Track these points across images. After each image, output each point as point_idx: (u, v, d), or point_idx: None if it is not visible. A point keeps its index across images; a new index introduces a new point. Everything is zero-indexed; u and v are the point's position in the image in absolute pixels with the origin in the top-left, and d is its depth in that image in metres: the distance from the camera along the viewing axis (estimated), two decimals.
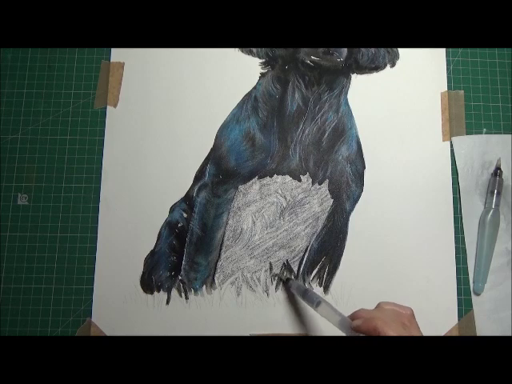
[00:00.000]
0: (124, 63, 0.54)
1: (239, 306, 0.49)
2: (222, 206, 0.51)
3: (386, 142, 0.53)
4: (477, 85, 0.54)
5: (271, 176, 0.52)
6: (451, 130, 0.53)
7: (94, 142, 0.52)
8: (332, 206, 0.51)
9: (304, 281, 0.50)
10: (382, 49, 0.54)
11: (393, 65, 0.54)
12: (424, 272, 0.50)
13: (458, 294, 0.50)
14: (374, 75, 0.54)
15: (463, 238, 0.51)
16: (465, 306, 0.50)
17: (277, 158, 0.52)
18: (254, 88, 0.53)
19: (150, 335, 0.48)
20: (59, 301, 0.49)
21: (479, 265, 0.50)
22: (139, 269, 0.50)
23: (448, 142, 0.53)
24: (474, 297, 0.50)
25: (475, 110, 0.54)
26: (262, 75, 0.54)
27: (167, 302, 0.49)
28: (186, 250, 0.50)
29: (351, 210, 0.51)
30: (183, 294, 0.50)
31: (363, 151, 0.52)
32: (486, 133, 0.53)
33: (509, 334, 0.49)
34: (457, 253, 0.51)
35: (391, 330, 0.39)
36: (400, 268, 0.50)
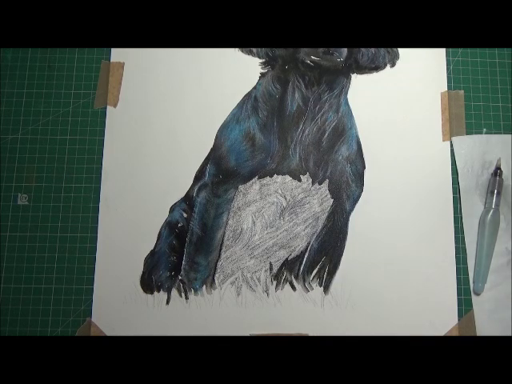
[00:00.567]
0: (124, 63, 0.54)
1: (239, 305, 0.49)
2: (222, 205, 0.51)
3: (386, 142, 0.53)
4: (477, 85, 0.54)
5: (271, 176, 0.52)
6: (451, 130, 0.53)
7: (94, 141, 0.52)
8: (332, 205, 0.51)
9: (304, 281, 0.50)
10: (382, 49, 0.54)
11: (393, 65, 0.54)
12: (424, 272, 0.50)
13: (458, 294, 0.50)
14: (374, 75, 0.54)
15: (463, 238, 0.51)
16: (465, 305, 0.50)
17: (277, 158, 0.52)
18: (254, 88, 0.53)
19: (149, 335, 0.48)
20: (59, 301, 0.49)
21: (479, 265, 0.50)
22: (139, 269, 0.50)
23: (448, 142, 0.53)
24: (474, 297, 0.50)
25: (475, 109, 0.54)
26: (262, 75, 0.54)
27: (167, 302, 0.49)
28: (185, 249, 0.50)
29: (351, 209, 0.51)
30: (183, 294, 0.50)
31: (363, 151, 0.52)
32: (486, 133, 0.53)
33: (509, 333, 0.49)
34: (457, 253, 0.51)
35: None
36: (400, 268, 0.50)
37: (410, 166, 0.52)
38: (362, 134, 0.53)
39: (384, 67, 0.54)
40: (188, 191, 0.51)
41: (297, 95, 0.53)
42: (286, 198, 0.51)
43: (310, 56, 0.53)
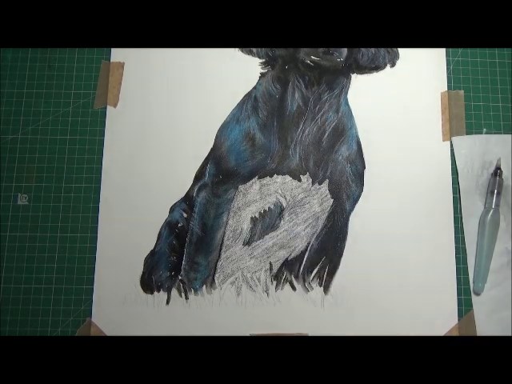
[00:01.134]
0: (124, 63, 0.54)
1: (239, 305, 0.49)
2: (222, 205, 0.51)
3: (386, 142, 0.53)
4: (477, 85, 0.54)
5: (271, 176, 0.52)
6: (451, 129, 0.53)
7: (94, 141, 0.52)
8: (332, 205, 0.51)
9: (304, 281, 0.50)
10: (382, 49, 0.54)
11: (393, 65, 0.54)
12: (424, 272, 0.50)
13: (458, 294, 0.50)
14: (374, 75, 0.54)
15: (463, 238, 0.51)
16: (465, 305, 0.50)
17: (277, 158, 0.52)
18: (254, 88, 0.53)
19: (149, 335, 0.48)
20: (59, 301, 0.49)
21: (479, 265, 0.50)
22: (139, 269, 0.50)
23: (448, 142, 0.53)
24: (474, 297, 0.50)
25: (475, 110, 0.54)
26: (262, 75, 0.54)
27: (167, 302, 0.49)
28: (185, 249, 0.50)
29: (351, 209, 0.51)
30: (183, 294, 0.50)
31: (363, 151, 0.52)
32: (486, 133, 0.53)
33: (509, 333, 0.49)
34: (457, 253, 0.51)
35: None
36: (400, 268, 0.50)
37: (409, 166, 0.52)
38: (362, 134, 0.53)
39: (384, 67, 0.54)
40: (188, 191, 0.51)
41: (297, 95, 0.53)
42: (285, 198, 0.51)
43: (310, 56, 0.53)
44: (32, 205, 0.51)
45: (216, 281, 0.50)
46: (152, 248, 0.50)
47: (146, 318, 0.49)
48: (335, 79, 0.53)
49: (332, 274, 0.50)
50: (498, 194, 0.51)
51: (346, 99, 0.53)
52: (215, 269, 0.50)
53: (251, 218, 0.51)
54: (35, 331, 0.49)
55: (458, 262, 0.50)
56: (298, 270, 0.51)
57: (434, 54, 0.55)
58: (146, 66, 0.54)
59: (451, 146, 0.53)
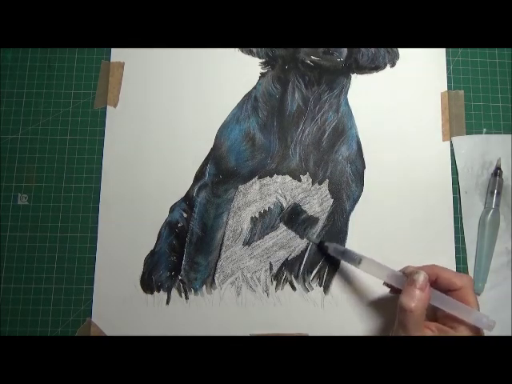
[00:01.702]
0: (124, 63, 0.54)
1: (239, 305, 0.49)
2: (222, 205, 0.51)
3: (386, 141, 0.53)
4: (477, 85, 0.54)
5: (271, 176, 0.52)
6: (451, 130, 0.53)
7: (94, 141, 0.52)
8: (332, 205, 0.51)
9: (304, 281, 0.50)
10: (382, 49, 0.54)
11: (393, 65, 0.54)
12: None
13: None
14: (374, 75, 0.54)
15: (463, 238, 0.51)
16: None
17: (277, 158, 0.52)
18: (254, 88, 0.53)
19: (149, 335, 0.48)
20: (59, 301, 0.49)
21: (479, 265, 0.50)
22: (139, 269, 0.50)
23: (448, 142, 0.53)
24: None
25: (475, 109, 0.54)
26: (262, 75, 0.54)
27: (167, 302, 0.49)
28: (185, 249, 0.50)
29: (351, 209, 0.51)
30: (183, 294, 0.50)
31: (363, 151, 0.52)
32: (486, 133, 0.53)
33: (509, 333, 0.49)
34: (457, 253, 0.51)
35: (449, 272, 0.41)
36: (400, 268, 0.50)
37: (409, 166, 0.52)
38: (362, 134, 0.53)
39: (384, 67, 0.54)
40: (188, 191, 0.51)
41: (297, 95, 0.53)
42: (285, 198, 0.51)
43: (310, 56, 0.53)
44: (32, 205, 0.51)
45: (216, 281, 0.50)
46: (152, 248, 0.50)
47: (146, 318, 0.49)
48: (335, 79, 0.53)
49: (332, 274, 0.50)
50: (498, 194, 0.51)
51: (346, 99, 0.53)
52: (215, 269, 0.50)
53: (251, 217, 0.51)
54: (35, 331, 0.49)
55: (457, 262, 0.50)
56: (298, 270, 0.51)
57: (434, 53, 0.55)
58: (146, 66, 0.54)
59: (451, 145, 0.53)
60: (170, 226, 0.51)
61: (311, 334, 0.49)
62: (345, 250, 0.48)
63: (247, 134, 0.52)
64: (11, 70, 0.54)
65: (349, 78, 0.54)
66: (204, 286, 0.50)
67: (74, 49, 0.54)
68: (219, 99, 0.53)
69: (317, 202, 0.51)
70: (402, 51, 0.54)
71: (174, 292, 0.50)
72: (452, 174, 0.52)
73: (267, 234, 0.51)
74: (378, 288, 0.49)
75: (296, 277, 0.50)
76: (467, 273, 0.50)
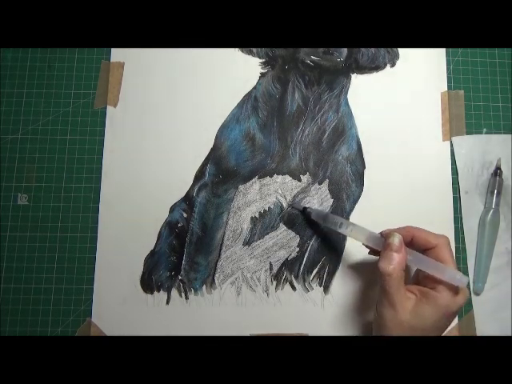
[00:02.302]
0: (124, 63, 0.54)
1: (239, 305, 0.49)
2: (222, 205, 0.51)
3: (386, 141, 0.53)
4: (477, 85, 0.54)
5: (271, 176, 0.52)
6: (451, 129, 0.53)
7: (94, 141, 0.52)
8: (332, 205, 0.51)
9: (304, 281, 0.50)
10: (382, 49, 0.54)
11: (393, 65, 0.54)
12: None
13: None
14: (374, 75, 0.54)
15: (463, 238, 0.51)
16: (465, 305, 0.50)
17: (277, 158, 0.52)
18: (254, 88, 0.53)
19: (149, 335, 0.48)
20: (59, 301, 0.49)
21: (479, 265, 0.50)
22: (139, 269, 0.50)
23: (448, 142, 0.53)
24: (474, 297, 0.50)
25: (475, 109, 0.54)
26: (262, 75, 0.54)
27: (167, 302, 0.49)
28: (185, 249, 0.50)
29: (351, 209, 0.51)
30: (183, 294, 0.50)
31: (363, 151, 0.52)
32: (486, 133, 0.53)
33: (509, 333, 0.49)
34: (457, 253, 0.51)
35: (424, 232, 0.41)
36: None
37: (410, 166, 0.52)
38: (362, 134, 0.53)
39: (384, 67, 0.54)
40: (188, 191, 0.51)
41: (297, 95, 0.53)
42: (286, 198, 0.51)
43: (310, 56, 0.53)
44: (32, 205, 0.51)
45: (216, 281, 0.50)
46: (152, 248, 0.50)
47: (146, 318, 0.49)
48: (335, 79, 0.53)
49: (332, 274, 0.50)
50: (498, 193, 0.51)
51: (346, 99, 0.53)
52: (215, 269, 0.50)
53: (251, 217, 0.51)
54: (35, 331, 0.49)
55: (458, 262, 0.50)
56: (298, 270, 0.51)
57: (434, 53, 0.55)
58: (146, 66, 0.54)
59: (451, 145, 0.53)
60: (170, 226, 0.51)
61: (311, 334, 0.49)
62: (327, 213, 0.48)
63: (247, 134, 0.52)
64: (11, 69, 0.54)
65: (349, 78, 0.54)
66: (204, 286, 0.50)
67: (74, 49, 0.54)
68: (219, 99, 0.53)
69: (317, 201, 0.51)
70: (401, 51, 0.54)
71: (174, 292, 0.50)
72: (452, 174, 0.52)
73: (267, 233, 0.51)
74: (377, 288, 0.49)
75: (296, 277, 0.50)
76: (467, 273, 0.50)
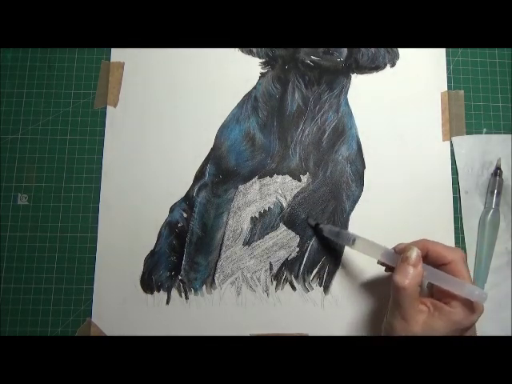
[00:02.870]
0: (124, 63, 0.54)
1: (239, 305, 0.49)
2: (222, 205, 0.51)
3: (386, 142, 0.53)
4: (477, 85, 0.54)
5: (271, 176, 0.52)
6: (451, 129, 0.53)
7: (94, 141, 0.52)
8: (332, 206, 0.51)
9: (304, 281, 0.50)
10: (382, 49, 0.54)
11: (393, 65, 0.54)
12: None
13: None
14: (374, 75, 0.54)
15: (463, 238, 0.51)
16: None
17: (277, 158, 0.52)
18: (254, 88, 0.53)
19: (150, 335, 0.48)
20: (59, 301, 0.49)
21: (479, 265, 0.50)
22: (139, 269, 0.50)
23: (448, 142, 0.53)
24: None
25: (475, 110, 0.54)
26: (262, 75, 0.54)
27: (167, 302, 0.49)
28: (185, 249, 0.50)
29: (351, 209, 0.51)
30: (183, 294, 0.50)
31: (363, 151, 0.52)
32: (486, 133, 0.53)
33: (509, 333, 0.49)
34: None
35: (439, 246, 0.41)
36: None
37: (410, 166, 0.52)
38: (362, 134, 0.53)
39: (384, 67, 0.54)
40: (188, 191, 0.51)
41: (297, 95, 0.53)
42: (286, 198, 0.51)
43: (310, 56, 0.53)
44: (32, 205, 0.51)
45: (216, 281, 0.50)
46: (152, 248, 0.50)
47: (146, 318, 0.49)
48: (335, 79, 0.53)
49: (332, 274, 0.50)
50: (498, 193, 0.51)
51: (346, 99, 0.53)
52: (215, 269, 0.50)
53: (251, 217, 0.51)
54: (35, 331, 0.49)
55: None
56: (298, 270, 0.51)
57: (434, 53, 0.55)
58: (146, 66, 0.54)
59: (451, 145, 0.53)
60: (170, 226, 0.51)
61: (311, 333, 0.49)
62: (339, 230, 0.48)
63: (247, 134, 0.52)
64: (11, 69, 0.54)
65: (349, 78, 0.54)
66: (204, 286, 0.50)
67: (74, 49, 0.54)
68: (219, 99, 0.53)
69: (317, 202, 0.51)
70: (401, 51, 0.54)
71: (174, 292, 0.50)
72: (452, 173, 0.52)
73: (267, 233, 0.51)
74: (378, 288, 0.50)
75: (296, 277, 0.50)
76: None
